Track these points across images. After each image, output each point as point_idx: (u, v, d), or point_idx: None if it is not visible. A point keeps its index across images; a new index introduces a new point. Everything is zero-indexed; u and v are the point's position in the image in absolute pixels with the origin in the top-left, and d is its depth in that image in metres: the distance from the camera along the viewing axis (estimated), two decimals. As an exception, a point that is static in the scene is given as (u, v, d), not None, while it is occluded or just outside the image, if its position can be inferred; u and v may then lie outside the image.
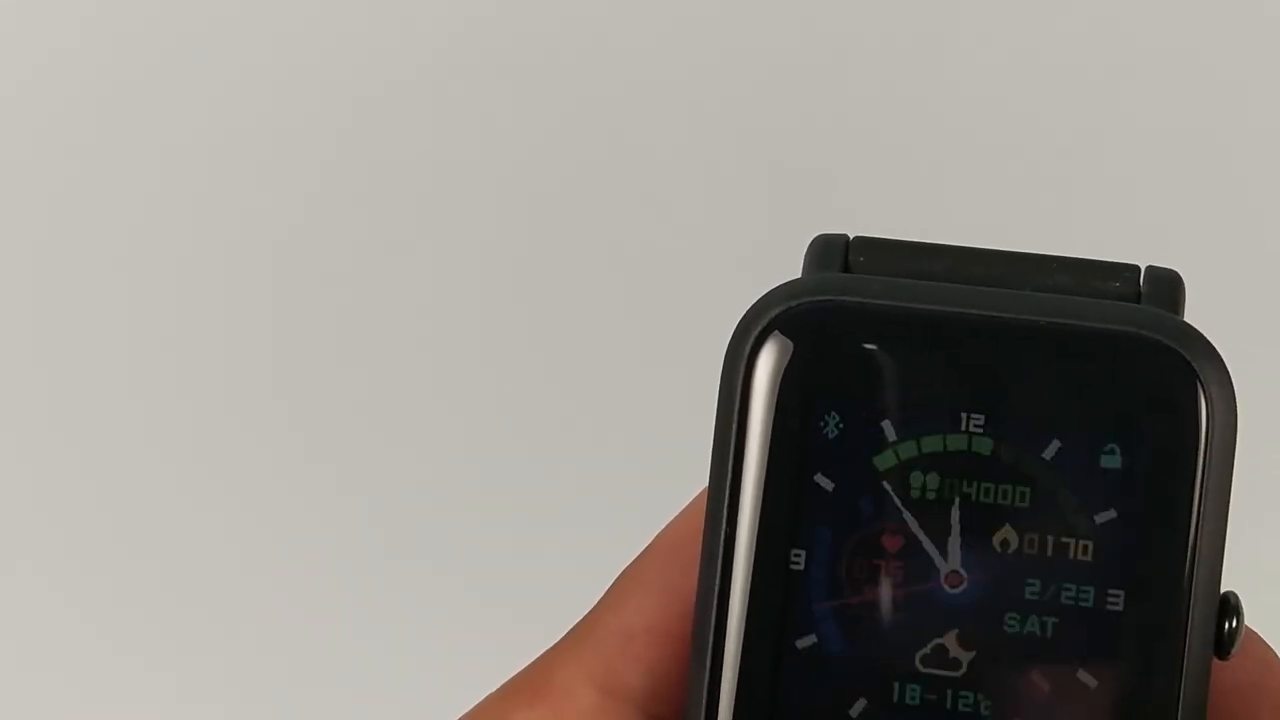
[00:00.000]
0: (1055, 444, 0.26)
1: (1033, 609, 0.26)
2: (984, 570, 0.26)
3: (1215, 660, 0.26)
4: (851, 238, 0.28)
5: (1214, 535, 0.26)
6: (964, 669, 0.26)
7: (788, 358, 0.27)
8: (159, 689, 0.59)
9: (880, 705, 0.26)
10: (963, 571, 0.26)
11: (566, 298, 0.59)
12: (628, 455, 0.58)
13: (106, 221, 0.59)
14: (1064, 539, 0.26)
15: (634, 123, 0.59)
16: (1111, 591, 0.26)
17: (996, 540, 0.26)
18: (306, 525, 0.59)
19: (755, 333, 0.27)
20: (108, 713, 0.59)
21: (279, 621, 0.59)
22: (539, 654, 0.29)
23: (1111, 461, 0.26)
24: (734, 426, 0.27)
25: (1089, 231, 0.57)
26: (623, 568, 0.29)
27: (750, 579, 0.27)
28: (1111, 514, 0.26)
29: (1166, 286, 0.27)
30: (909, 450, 0.26)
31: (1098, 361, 0.26)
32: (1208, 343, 0.26)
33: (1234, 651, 0.26)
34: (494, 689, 0.29)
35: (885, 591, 0.27)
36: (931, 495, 0.26)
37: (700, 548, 0.27)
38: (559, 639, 0.29)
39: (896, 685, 0.26)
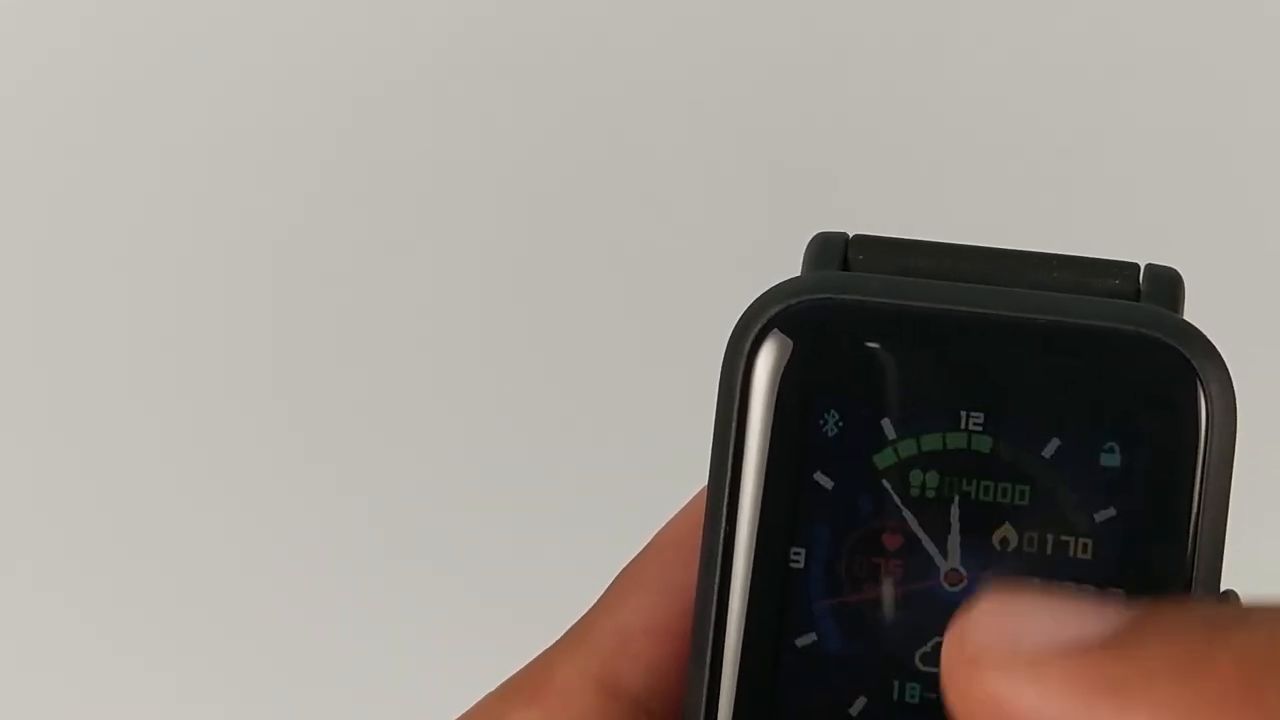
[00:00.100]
0: (1055, 442, 0.26)
1: None
2: (984, 568, 0.26)
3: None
4: (851, 236, 0.28)
5: (1214, 534, 0.26)
6: None
7: (787, 356, 0.27)
8: (159, 689, 0.59)
9: (880, 704, 0.26)
10: (962, 570, 0.26)
11: (566, 298, 0.59)
12: (628, 455, 0.58)
13: (106, 221, 0.59)
14: (1064, 537, 0.26)
15: (634, 123, 0.59)
16: (1111, 590, 0.26)
17: (996, 538, 0.26)
18: (306, 525, 0.59)
19: (754, 331, 0.27)
20: (108, 713, 0.59)
21: (279, 621, 0.59)
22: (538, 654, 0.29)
23: (1111, 460, 0.26)
24: (733, 425, 0.27)
25: (1088, 230, 0.57)
26: (622, 567, 0.29)
27: (750, 577, 0.27)
28: (1111, 512, 0.26)
29: (1166, 285, 0.27)
30: (909, 448, 0.26)
31: (1097, 360, 0.26)
32: (1208, 341, 0.26)
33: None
34: (493, 689, 0.29)
35: (885, 590, 0.27)
36: (931, 493, 0.26)
37: (699, 546, 0.27)
38: (558, 638, 0.29)
39: (896, 684, 0.26)
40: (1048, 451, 0.26)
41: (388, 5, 0.59)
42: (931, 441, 0.26)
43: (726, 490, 0.27)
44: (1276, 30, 0.58)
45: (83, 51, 0.59)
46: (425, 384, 0.59)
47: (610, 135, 0.59)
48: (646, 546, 0.29)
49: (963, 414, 0.26)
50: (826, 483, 0.27)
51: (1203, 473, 0.26)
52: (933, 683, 0.26)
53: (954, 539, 0.26)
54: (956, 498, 0.26)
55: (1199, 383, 0.26)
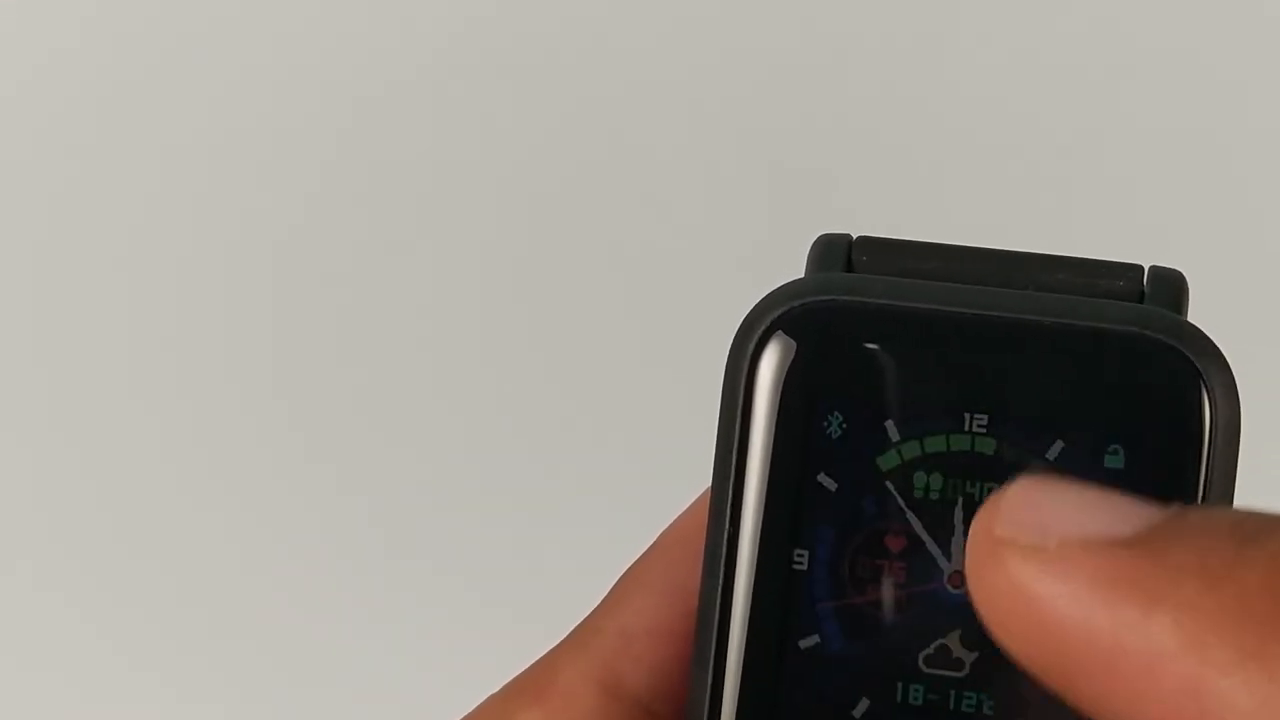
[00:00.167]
0: (1059, 444, 0.26)
1: None
2: None
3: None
4: (855, 237, 0.28)
5: (1217, 535, 0.26)
6: (967, 669, 0.26)
7: (791, 357, 0.27)
8: (159, 689, 0.59)
9: (883, 705, 0.26)
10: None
11: (566, 298, 0.59)
12: (628, 455, 0.58)
13: (106, 221, 0.59)
14: None
15: (634, 123, 0.59)
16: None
17: None
18: (306, 525, 0.59)
19: (758, 332, 0.27)
20: (108, 713, 0.59)
21: (279, 621, 0.59)
22: (539, 654, 0.29)
23: (1115, 461, 0.26)
24: (737, 426, 0.27)
25: (1091, 231, 0.57)
26: (624, 568, 0.29)
27: (753, 579, 0.26)
28: (1114, 514, 0.26)
29: (1169, 286, 0.27)
30: (912, 450, 0.26)
31: (1101, 361, 0.26)
32: (1211, 343, 0.26)
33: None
34: (495, 689, 0.29)
35: (888, 592, 0.26)
36: (935, 495, 0.26)
37: (702, 547, 0.27)
38: (561, 639, 0.29)
39: (899, 685, 0.26)
40: (1052, 453, 0.26)
41: (388, 5, 0.59)
42: (935, 443, 0.26)
43: (730, 491, 0.27)
44: (1276, 30, 0.58)
45: (83, 51, 0.59)
46: (425, 384, 0.59)
47: (610, 135, 0.59)
48: (650, 548, 0.29)
49: (966, 416, 0.26)
50: (830, 484, 0.27)
51: (1206, 474, 0.26)
52: (936, 685, 0.26)
53: (958, 541, 0.26)
54: (960, 499, 0.26)
55: (1203, 385, 0.26)
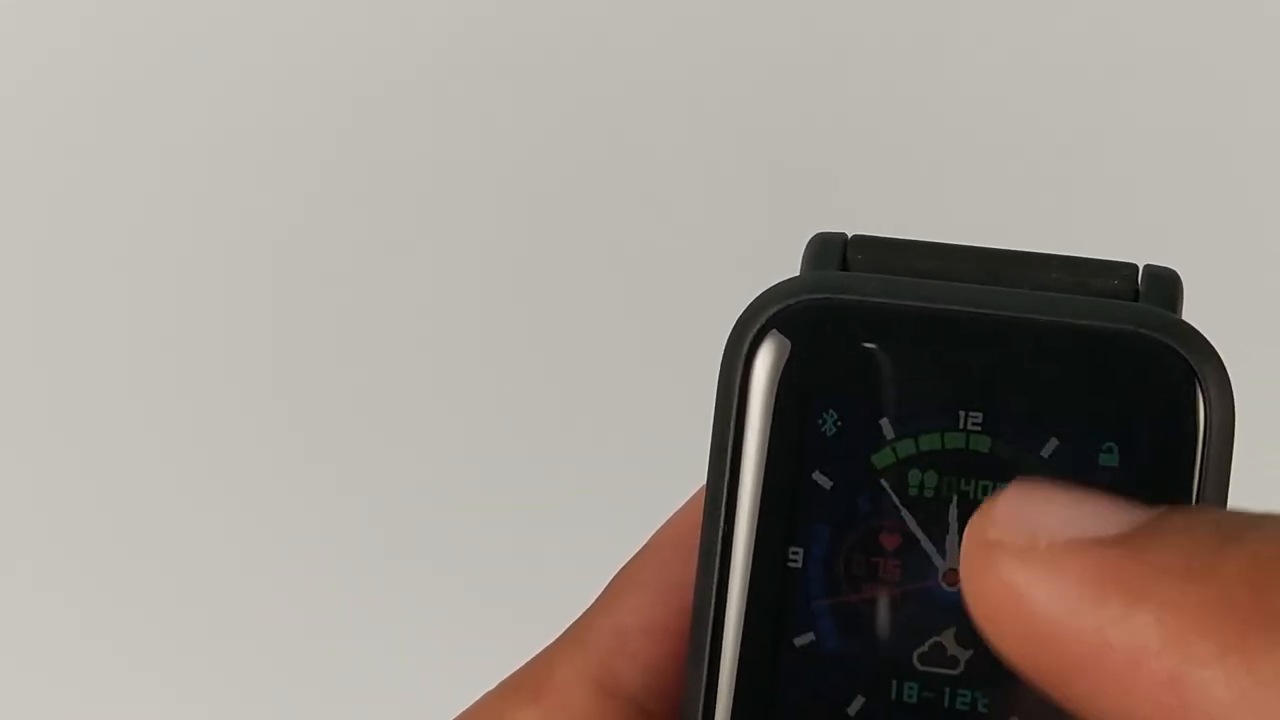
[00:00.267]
0: (1053, 442, 0.26)
1: None
2: None
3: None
4: (850, 236, 0.28)
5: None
6: (962, 667, 0.26)
7: (785, 356, 0.27)
8: (159, 689, 0.59)
9: (878, 703, 0.26)
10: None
11: (566, 298, 0.59)
12: (628, 455, 0.58)
13: (106, 221, 0.60)
14: None
15: (634, 123, 0.59)
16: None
17: None
18: (306, 525, 0.59)
19: (753, 331, 0.27)
20: (108, 713, 0.59)
21: (279, 621, 0.59)
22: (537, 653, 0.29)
23: (1109, 460, 0.26)
24: (732, 424, 0.27)
25: (1088, 231, 0.57)
26: (621, 567, 0.29)
27: (748, 577, 0.26)
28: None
29: (1165, 285, 0.27)
30: (907, 448, 0.26)
31: (1096, 360, 0.26)
32: (1206, 342, 0.26)
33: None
34: (492, 688, 0.29)
35: (883, 589, 0.26)
36: (929, 493, 0.26)
37: (698, 545, 0.27)
38: (556, 638, 0.29)
39: (894, 683, 0.26)
40: (1046, 451, 0.26)
41: (388, 5, 0.59)
42: (930, 441, 0.26)
43: (725, 489, 0.27)
44: (1276, 30, 0.58)
45: (83, 51, 0.59)
46: (425, 384, 0.59)
47: (610, 135, 0.59)
48: (645, 546, 0.29)
49: (961, 414, 0.26)
50: (825, 482, 0.27)
51: (1201, 473, 0.26)
52: (931, 682, 0.26)
53: (952, 539, 0.26)
54: (955, 497, 0.26)
55: (1197, 383, 0.26)
